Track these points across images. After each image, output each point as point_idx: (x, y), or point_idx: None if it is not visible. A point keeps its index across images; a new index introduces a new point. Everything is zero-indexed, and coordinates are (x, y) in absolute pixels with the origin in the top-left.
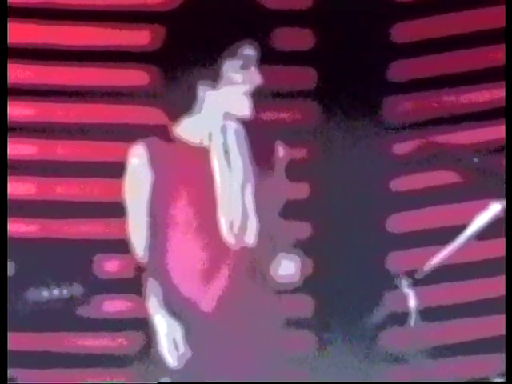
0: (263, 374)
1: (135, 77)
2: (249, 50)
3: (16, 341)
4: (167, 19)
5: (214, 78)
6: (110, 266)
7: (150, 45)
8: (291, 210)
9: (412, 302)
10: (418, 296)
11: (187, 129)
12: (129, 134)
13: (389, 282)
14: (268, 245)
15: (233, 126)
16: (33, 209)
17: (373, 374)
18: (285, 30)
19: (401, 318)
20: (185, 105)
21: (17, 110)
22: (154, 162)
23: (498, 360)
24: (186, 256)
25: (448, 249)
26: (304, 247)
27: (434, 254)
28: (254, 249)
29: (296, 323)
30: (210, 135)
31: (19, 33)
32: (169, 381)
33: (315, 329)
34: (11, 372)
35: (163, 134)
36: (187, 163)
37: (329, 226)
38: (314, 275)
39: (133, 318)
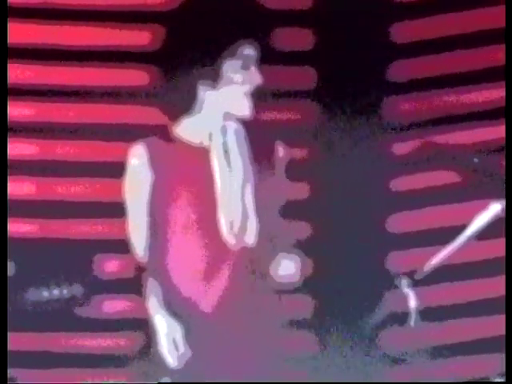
0: (263, 374)
1: (135, 77)
2: (249, 50)
3: (16, 341)
4: (167, 19)
5: (214, 78)
6: (110, 266)
7: (149, 45)
8: (291, 210)
9: (412, 302)
10: (418, 296)
11: (187, 129)
12: (129, 134)
13: (389, 282)
14: (268, 245)
15: (233, 126)
16: (33, 209)
17: (373, 374)
18: (285, 30)
19: (401, 318)
20: (185, 105)
21: (17, 110)
22: (154, 162)
23: (499, 360)
24: (185, 256)
25: (448, 249)
26: (304, 247)
27: (434, 254)
28: (254, 249)
29: (296, 323)
30: (210, 135)
31: (19, 33)
32: (169, 381)
33: (315, 329)
34: (11, 372)
35: (163, 134)
36: (187, 163)
37: (329, 226)
38: (314, 275)
39: (133, 318)
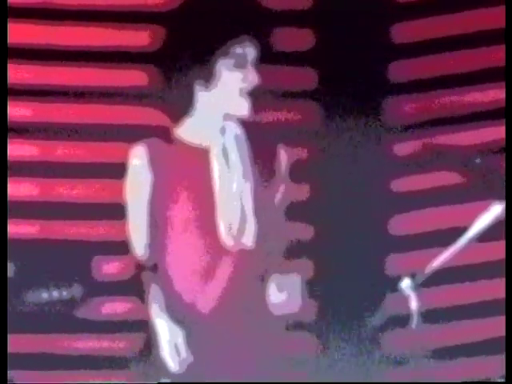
0: (264, 377)
1: (135, 77)
2: (245, 49)
3: (15, 342)
4: (167, 19)
5: (208, 78)
6: (109, 268)
7: (149, 45)
8: (292, 212)
9: (413, 304)
10: (420, 298)
11: (188, 130)
12: (129, 134)
13: (390, 284)
14: (267, 247)
15: (232, 127)
16: (33, 210)
17: (374, 375)
18: (285, 30)
19: (402, 320)
20: (185, 106)
21: (17, 111)
22: (155, 162)
23: (500, 362)
24: (185, 256)
25: (450, 250)
26: (305, 249)
27: (435, 255)
28: (253, 251)
29: (297, 325)
30: (210, 136)
31: (19, 33)
32: (169, 381)
33: (316, 331)
34: (10, 374)
35: (163, 134)
36: (187, 164)
37: (330, 227)
38: (316, 277)
39: (132, 319)
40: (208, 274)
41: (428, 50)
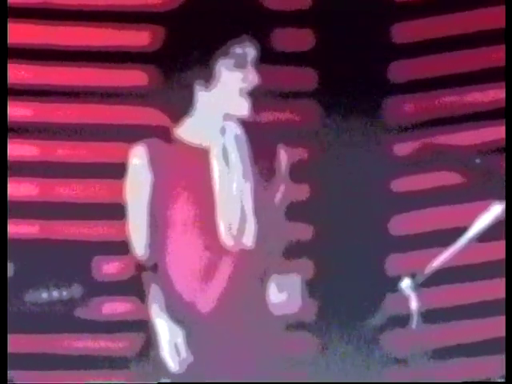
0: (264, 377)
1: (135, 77)
2: (245, 49)
3: (15, 342)
4: (167, 19)
5: (208, 78)
6: (109, 268)
7: (149, 45)
8: (292, 212)
9: (414, 304)
10: (420, 298)
11: (188, 130)
12: (129, 134)
13: (390, 284)
14: (267, 247)
15: (232, 127)
16: (33, 210)
17: (374, 376)
18: (285, 30)
19: (402, 320)
20: (185, 106)
21: (17, 111)
22: (155, 162)
23: (500, 362)
24: (185, 256)
25: (450, 250)
26: (305, 249)
27: (435, 255)
28: (253, 251)
29: (297, 325)
30: (210, 136)
31: (19, 33)
32: (169, 381)
33: (316, 331)
34: (10, 374)
35: (164, 134)
36: (187, 164)
37: (330, 227)
38: (315, 277)
39: (132, 319)
40: (208, 273)
41: (428, 49)
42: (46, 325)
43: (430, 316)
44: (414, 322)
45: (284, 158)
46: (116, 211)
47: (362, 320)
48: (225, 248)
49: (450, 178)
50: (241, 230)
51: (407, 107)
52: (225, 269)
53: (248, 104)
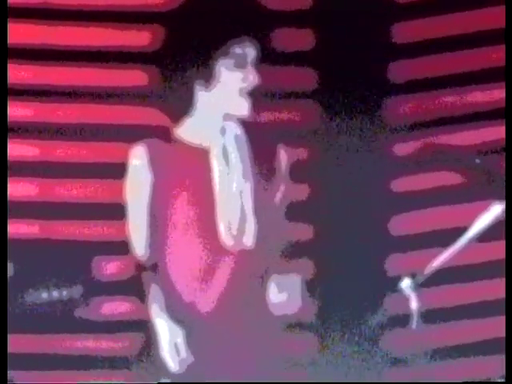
0: (264, 377)
1: (135, 77)
2: (245, 49)
3: (15, 342)
4: (167, 19)
5: (208, 78)
6: (109, 268)
7: (149, 45)
8: (291, 212)
9: (414, 304)
10: (420, 298)
11: (188, 130)
12: (129, 134)
13: (390, 284)
14: (267, 247)
15: (232, 127)
16: (33, 210)
17: (374, 376)
18: (285, 30)
19: (402, 320)
20: (185, 106)
21: (17, 111)
22: (155, 162)
23: (500, 362)
24: (185, 257)
25: (450, 250)
26: (305, 249)
27: (435, 255)
28: (253, 251)
29: (297, 325)
30: (210, 136)
31: (18, 33)
32: (169, 381)
33: (316, 331)
34: (10, 374)
35: (164, 134)
36: (187, 164)
37: (329, 227)
38: (315, 277)
39: (132, 319)
40: (208, 274)
41: (428, 49)
42: (46, 325)
43: (430, 316)
44: (414, 322)
45: (284, 158)
46: (116, 211)
47: (362, 320)
48: (225, 248)
49: (450, 177)
50: (241, 230)
51: (407, 107)
52: (225, 269)
53: (248, 104)
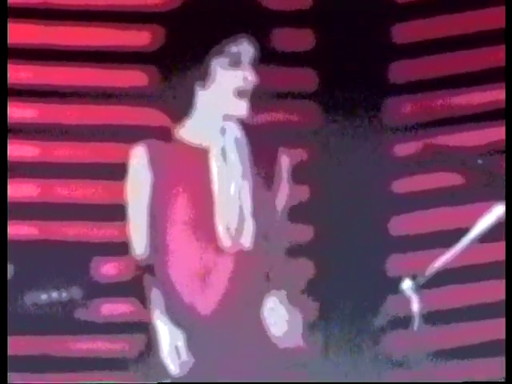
0: (264, 377)
1: (135, 77)
2: (240, 48)
3: (15, 344)
4: (167, 19)
5: (204, 77)
6: (109, 269)
7: (149, 45)
8: (292, 213)
9: (415, 306)
10: (422, 299)
11: (188, 130)
12: (129, 135)
13: (391, 285)
14: (266, 248)
15: (232, 128)
16: (33, 211)
17: (375, 377)
18: (285, 30)
19: (404, 321)
20: (185, 106)
21: (17, 112)
22: (155, 163)
23: (501, 364)
24: (184, 257)
25: (451, 251)
26: (305, 250)
27: (437, 256)
28: (251, 252)
29: None
30: (210, 136)
31: (19, 33)
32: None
33: (317, 332)
34: (10, 376)
35: (164, 135)
36: (187, 164)
37: (330, 228)
38: (316, 278)
39: (132, 321)
40: (207, 275)
41: (428, 50)
42: (46, 326)
43: (431, 317)
44: (416, 323)
45: (285, 160)
46: (115, 212)
47: (363, 321)
48: (223, 249)
49: (450, 178)
50: (239, 231)
51: (407, 108)
52: (223, 270)
53: (246, 104)
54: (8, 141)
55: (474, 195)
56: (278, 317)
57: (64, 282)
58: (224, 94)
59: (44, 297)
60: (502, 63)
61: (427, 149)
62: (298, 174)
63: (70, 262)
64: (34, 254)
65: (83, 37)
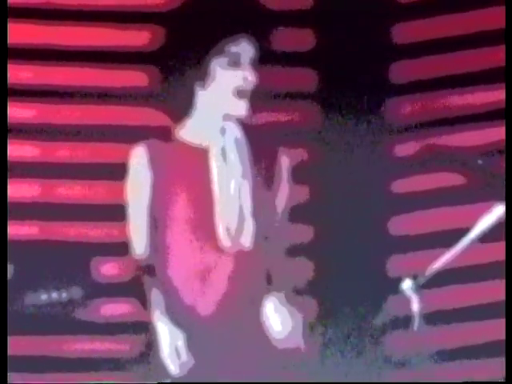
0: (264, 377)
1: (135, 77)
2: (239, 48)
3: (14, 344)
4: (167, 19)
5: (203, 77)
6: (109, 269)
7: (149, 45)
8: (291, 213)
9: (415, 306)
10: (422, 300)
11: (188, 130)
12: (129, 135)
13: (391, 286)
14: (266, 248)
15: (232, 128)
16: (33, 211)
17: (375, 377)
18: (285, 30)
19: (404, 321)
20: (185, 106)
21: (17, 111)
22: (155, 163)
23: (501, 364)
24: (184, 258)
25: (451, 252)
26: (305, 250)
27: (437, 256)
28: (251, 252)
29: None
30: (210, 136)
31: (19, 33)
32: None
33: (317, 332)
34: (9, 376)
35: (164, 135)
36: (187, 164)
37: (330, 228)
38: (316, 278)
39: (132, 321)
40: (207, 275)
41: (429, 50)
42: (46, 326)
43: (431, 318)
44: (416, 323)
45: (285, 160)
46: (115, 212)
47: (364, 321)
48: (223, 249)
49: (451, 178)
50: (239, 231)
51: (408, 108)
52: (223, 270)
53: (246, 104)
54: (8, 141)
55: (474, 195)
56: (278, 317)
57: (64, 282)
58: (224, 93)
59: (44, 297)
60: (502, 63)
61: (427, 149)
62: (298, 174)
63: (70, 262)
64: (34, 254)
65: (83, 37)
